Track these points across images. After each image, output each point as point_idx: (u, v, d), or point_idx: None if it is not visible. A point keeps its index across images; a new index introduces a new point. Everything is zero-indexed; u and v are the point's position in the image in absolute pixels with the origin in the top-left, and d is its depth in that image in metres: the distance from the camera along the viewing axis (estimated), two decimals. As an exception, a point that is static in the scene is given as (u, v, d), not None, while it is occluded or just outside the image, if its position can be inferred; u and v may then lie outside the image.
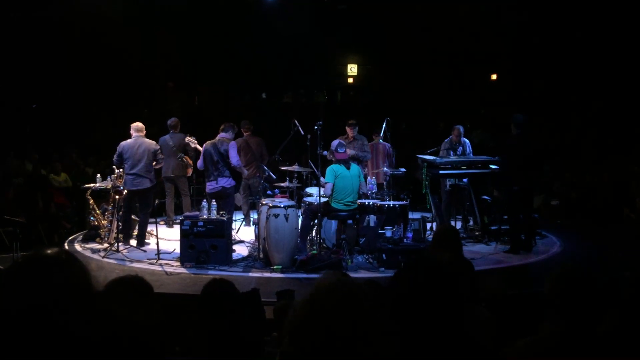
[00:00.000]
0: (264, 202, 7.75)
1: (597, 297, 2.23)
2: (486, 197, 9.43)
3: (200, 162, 8.21)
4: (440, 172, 8.91)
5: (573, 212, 11.35)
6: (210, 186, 8.06)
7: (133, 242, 8.60)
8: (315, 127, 7.88)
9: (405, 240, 7.54)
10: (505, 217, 8.79)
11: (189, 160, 9.72)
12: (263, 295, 5.33)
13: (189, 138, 9.04)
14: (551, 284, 2.29)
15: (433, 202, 9.11)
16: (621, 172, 11.59)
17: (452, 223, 9.11)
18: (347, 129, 9.21)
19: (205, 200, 7.88)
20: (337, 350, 1.16)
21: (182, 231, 7.58)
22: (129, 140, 8.55)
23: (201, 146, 8.43)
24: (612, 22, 14.18)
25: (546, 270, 6.66)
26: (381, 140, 9.82)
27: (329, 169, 7.68)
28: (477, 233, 9.22)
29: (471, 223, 9.67)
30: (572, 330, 2.14)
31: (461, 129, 9.68)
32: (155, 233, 8.08)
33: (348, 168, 7.68)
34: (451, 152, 9.47)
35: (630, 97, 14.75)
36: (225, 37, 17.92)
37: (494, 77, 19.84)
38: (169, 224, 10.06)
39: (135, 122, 8.79)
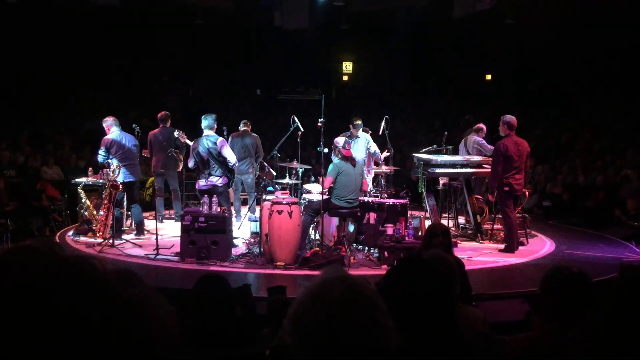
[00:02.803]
0: (266, 199, 7.70)
1: (588, 297, 2.24)
2: (479, 197, 9.45)
3: (190, 162, 8.04)
4: (437, 170, 8.92)
5: (565, 213, 11.39)
6: (200, 183, 7.93)
7: (126, 237, 8.57)
8: (319, 123, 7.83)
9: (406, 238, 7.54)
10: (499, 216, 8.81)
11: (179, 155, 9.64)
12: (263, 291, 5.32)
13: (178, 132, 8.99)
14: (544, 284, 2.30)
15: (428, 200, 9.11)
16: (613, 174, 11.65)
17: (445, 221, 9.13)
18: (352, 127, 9.23)
19: (205, 195, 7.75)
20: (342, 344, 1.16)
21: (182, 226, 7.45)
22: (112, 135, 8.49)
23: (192, 141, 8.30)
24: (609, 23, 14.23)
25: (538, 270, 6.69)
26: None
27: (332, 165, 7.66)
28: (469, 231, 9.24)
29: (463, 221, 9.71)
30: (563, 329, 2.14)
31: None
32: (148, 228, 8.00)
33: (354, 165, 7.66)
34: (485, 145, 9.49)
35: (624, 100, 14.83)
36: (222, 32, 17.86)
37: (488, 77, 19.92)
38: (159, 219, 10.00)
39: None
